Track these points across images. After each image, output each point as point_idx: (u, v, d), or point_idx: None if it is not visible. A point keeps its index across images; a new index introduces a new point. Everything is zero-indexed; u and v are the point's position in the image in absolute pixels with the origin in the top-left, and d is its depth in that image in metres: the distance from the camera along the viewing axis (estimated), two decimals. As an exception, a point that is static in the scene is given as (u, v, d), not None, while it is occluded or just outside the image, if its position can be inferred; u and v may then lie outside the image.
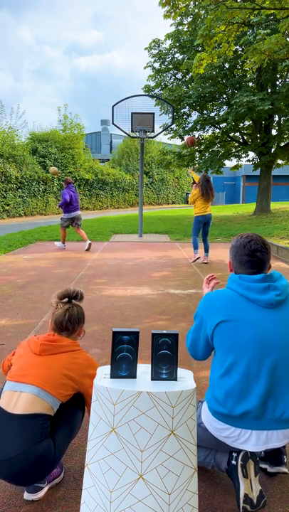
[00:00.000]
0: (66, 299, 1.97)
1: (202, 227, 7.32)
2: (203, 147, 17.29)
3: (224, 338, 1.68)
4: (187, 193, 38.16)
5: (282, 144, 15.81)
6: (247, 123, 16.47)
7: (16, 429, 1.64)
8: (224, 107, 16.52)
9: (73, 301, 1.98)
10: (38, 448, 1.63)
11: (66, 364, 1.83)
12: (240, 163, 18.23)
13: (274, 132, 16.42)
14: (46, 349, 1.84)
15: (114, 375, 1.50)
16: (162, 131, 13.04)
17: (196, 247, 7.31)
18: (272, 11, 8.96)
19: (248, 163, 18.55)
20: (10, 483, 1.66)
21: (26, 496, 1.73)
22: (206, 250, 7.39)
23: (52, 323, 1.95)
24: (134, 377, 1.51)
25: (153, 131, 11.29)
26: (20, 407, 1.68)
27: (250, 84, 15.55)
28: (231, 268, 1.87)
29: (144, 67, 17.26)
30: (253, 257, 1.76)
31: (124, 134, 12.45)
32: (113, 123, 11.26)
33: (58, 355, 1.84)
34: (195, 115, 17.05)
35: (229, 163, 60.71)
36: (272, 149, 15.94)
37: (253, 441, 1.64)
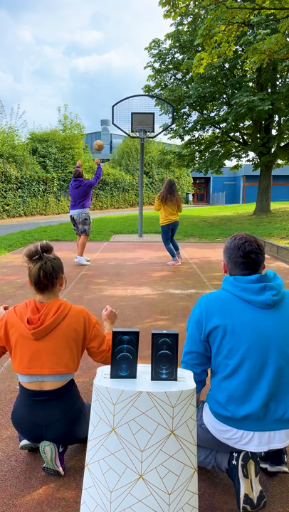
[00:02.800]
0: (37, 256, 1.84)
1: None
2: (203, 147, 17.30)
3: (224, 342, 1.67)
4: (187, 193, 38.14)
5: (282, 144, 15.81)
6: (247, 123, 16.47)
7: (54, 399, 1.85)
8: (224, 107, 16.53)
9: (45, 255, 1.85)
10: (77, 407, 1.91)
11: (67, 335, 1.83)
12: (240, 163, 18.24)
13: (274, 132, 16.42)
14: (40, 333, 1.79)
15: (114, 375, 1.50)
16: (162, 131, 13.04)
17: (173, 255, 7.24)
18: (272, 11, 8.96)
19: (248, 163, 18.55)
20: (58, 443, 1.88)
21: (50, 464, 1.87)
22: (176, 249, 7.40)
23: (30, 284, 1.86)
24: (134, 377, 1.51)
25: (153, 131, 11.29)
26: (50, 387, 1.84)
27: (250, 84, 15.55)
28: (226, 269, 1.85)
29: (144, 67, 17.27)
30: (247, 258, 1.74)
31: (124, 134, 12.45)
32: (113, 123, 11.26)
33: (53, 331, 1.82)
34: (195, 115, 17.06)
35: (229, 163, 60.70)
36: (273, 149, 15.94)
37: (255, 442, 1.64)
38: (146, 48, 16.99)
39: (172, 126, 16.57)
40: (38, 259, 1.83)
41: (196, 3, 9.75)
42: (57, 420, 1.85)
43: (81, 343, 1.90)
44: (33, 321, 1.80)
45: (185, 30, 16.02)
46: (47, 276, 1.83)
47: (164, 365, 1.49)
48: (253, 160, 17.57)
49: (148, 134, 11.30)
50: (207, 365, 1.79)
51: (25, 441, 1.99)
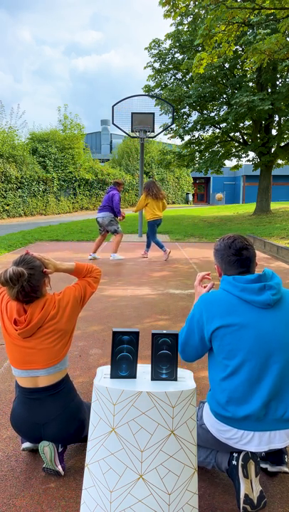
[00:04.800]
0: (10, 285, 1.74)
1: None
2: (203, 147, 17.30)
3: (224, 343, 1.67)
4: (187, 193, 38.12)
5: (282, 144, 15.81)
6: (247, 123, 16.46)
7: (50, 397, 1.85)
8: (224, 107, 16.52)
9: (20, 279, 1.74)
10: (74, 405, 1.91)
11: (56, 329, 1.83)
12: (240, 163, 18.23)
13: (274, 132, 16.42)
14: (26, 333, 1.79)
15: (114, 375, 1.50)
16: (162, 131, 13.04)
17: (161, 246, 7.69)
18: (272, 11, 8.96)
19: (248, 163, 18.54)
20: (57, 442, 1.87)
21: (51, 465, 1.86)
22: (148, 246, 8.03)
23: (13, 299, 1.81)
24: (134, 377, 1.51)
25: (153, 131, 11.28)
26: (44, 383, 1.85)
27: (250, 84, 15.55)
28: (220, 272, 1.86)
29: (144, 67, 17.26)
30: (240, 255, 1.76)
31: (124, 134, 12.45)
32: (113, 123, 11.26)
33: (42, 328, 1.82)
34: (195, 115, 17.05)
35: (229, 163, 60.66)
36: (273, 149, 15.94)
37: (255, 442, 1.64)
38: (146, 48, 16.99)
39: (172, 126, 16.56)
40: (13, 286, 1.75)
41: (196, 3, 9.75)
42: (54, 418, 1.85)
43: (73, 325, 1.92)
44: (20, 321, 1.81)
45: (185, 30, 16.01)
46: (28, 295, 1.80)
47: (164, 365, 1.49)
48: (253, 160, 17.56)
49: (148, 134, 11.30)
50: (200, 356, 1.83)
51: (26, 444, 1.99)
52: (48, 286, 1.92)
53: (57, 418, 1.86)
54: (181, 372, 1.59)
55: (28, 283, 1.76)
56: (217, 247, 1.84)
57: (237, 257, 1.76)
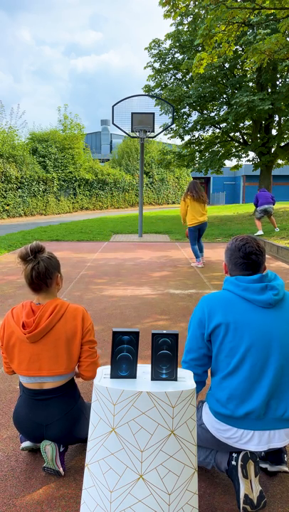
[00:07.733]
0: (29, 257, 1.84)
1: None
2: (203, 147, 17.30)
3: (225, 341, 1.67)
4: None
5: (283, 144, 15.81)
6: (247, 123, 16.46)
7: (54, 398, 1.86)
8: (224, 107, 16.52)
9: (38, 255, 1.85)
10: (77, 407, 1.92)
11: (64, 336, 1.82)
12: (240, 163, 18.23)
13: (274, 132, 16.42)
14: (34, 337, 1.79)
15: (114, 375, 1.50)
16: (162, 131, 13.03)
17: (197, 256, 7.04)
18: (272, 11, 8.95)
19: (248, 163, 18.56)
20: (59, 442, 1.89)
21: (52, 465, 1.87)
22: (201, 250, 7.19)
23: (26, 284, 1.87)
24: (134, 377, 1.51)
25: (153, 131, 11.28)
26: (50, 386, 1.86)
27: (250, 84, 15.55)
28: (226, 270, 1.87)
29: (144, 67, 17.26)
30: (247, 259, 1.76)
31: (124, 134, 12.45)
32: (113, 123, 11.26)
33: (50, 333, 1.81)
34: (195, 115, 17.05)
35: (229, 163, 60.75)
36: (273, 149, 15.94)
37: (255, 441, 1.64)
38: (146, 48, 16.98)
39: (172, 126, 16.57)
40: (31, 260, 1.84)
41: (196, 3, 9.75)
42: (57, 420, 1.85)
43: (79, 342, 1.88)
44: (28, 324, 1.80)
45: (185, 30, 16.01)
46: (40, 276, 1.82)
47: (164, 365, 1.49)
48: (253, 160, 17.56)
49: (148, 134, 11.29)
50: (208, 366, 1.79)
51: (26, 443, 1.99)
52: (60, 285, 1.94)
53: (60, 419, 1.85)
54: (181, 372, 1.59)
55: (44, 263, 1.84)
56: (228, 246, 1.85)
57: (244, 261, 1.77)
